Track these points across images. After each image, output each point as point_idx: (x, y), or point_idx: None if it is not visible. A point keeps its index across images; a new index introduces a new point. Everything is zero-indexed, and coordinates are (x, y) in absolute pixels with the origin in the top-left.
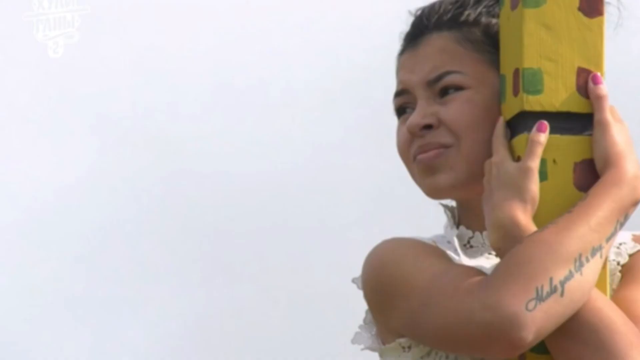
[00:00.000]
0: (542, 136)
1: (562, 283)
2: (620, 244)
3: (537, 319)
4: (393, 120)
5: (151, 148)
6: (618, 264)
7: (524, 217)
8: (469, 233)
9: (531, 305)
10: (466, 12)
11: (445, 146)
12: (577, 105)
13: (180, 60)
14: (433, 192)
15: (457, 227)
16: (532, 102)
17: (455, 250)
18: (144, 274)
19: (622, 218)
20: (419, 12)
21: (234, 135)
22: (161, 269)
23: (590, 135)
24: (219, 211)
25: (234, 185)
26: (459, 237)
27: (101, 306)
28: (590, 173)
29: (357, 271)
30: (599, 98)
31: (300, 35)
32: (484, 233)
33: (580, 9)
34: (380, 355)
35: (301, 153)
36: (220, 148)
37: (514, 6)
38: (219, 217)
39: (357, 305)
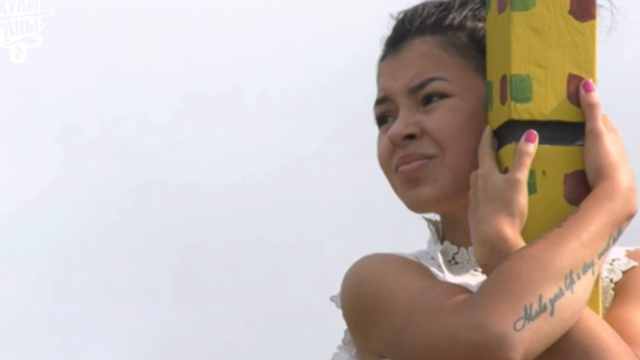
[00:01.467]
0: (531, 146)
1: (552, 301)
2: (614, 260)
3: (525, 339)
4: (374, 130)
5: (119, 158)
6: (611, 281)
7: (512, 232)
8: (454, 249)
9: (519, 324)
10: (451, 16)
11: (429, 157)
12: (567, 114)
13: (150, 65)
14: (416, 206)
15: (441, 243)
16: (521, 111)
17: (439, 267)
18: (112, 291)
19: (615, 233)
20: (401, 16)
21: (207, 145)
22: (130, 286)
23: (582, 145)
24: (190, 225)
25: (207, 198)
26: (443, 253)
27: (66, 325)
28: (582, 185)
29: (336, 289)
30: (591, 106)
31: (277, 39)
32: (470, 248)
33: (571, 12)
34: None
35: (277, 164)
36: (192, 159)
37: (501, 9)
38: (190, 232)
39: (336, 325)
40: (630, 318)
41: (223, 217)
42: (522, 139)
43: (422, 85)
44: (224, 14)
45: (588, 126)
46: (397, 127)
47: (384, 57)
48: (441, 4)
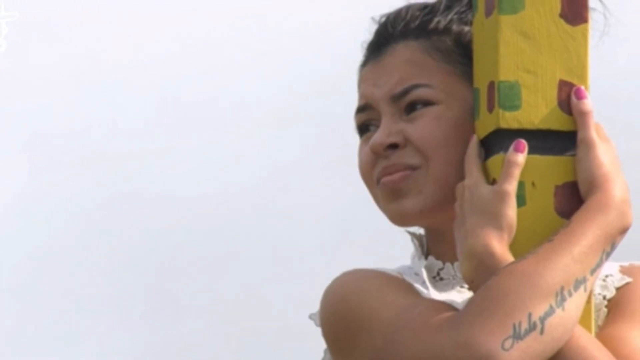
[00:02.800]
0: (520, 156)
1: (542, 319)
2: (607, 276)
3: (514, 358)
4: (356, 139)
5: (89, 169)
6: (604, 298)
7: (500, 246)
8: (439, 264)
9: (508, 343)
10: (436, 19)
11: (413, 167)
12: (558, 123)
13: (122, 71)
14: (399, 219)
15: (426, 258)
16: (509, 119)
17: (423, 283)
18: (81, 307)
19: (608, 247)
20: (383, 19)
21: (181, 155)
22: (100, 302)
23: (574, 155)
24: (163, 239)
25: (181, 210)
26: (428, 269)
27: (33, 343)
28: (573, 197)
29: (315, 306)
30: (583, 114)
31: (255, 43)
32: (456, 264)
33: (562, 15)
34: None
35: (255, 174)
36: (165, 169)
37: (488, 12)
38: (163, 245)
39: (315, 344)
40: (624, 337)
41: (198, 230)
42: (511, 148)
43: (406, 92)
44: (199, 17)
45: (580, 135)
46: (379, 136)
47: (365, 63)
48: (425, 6)
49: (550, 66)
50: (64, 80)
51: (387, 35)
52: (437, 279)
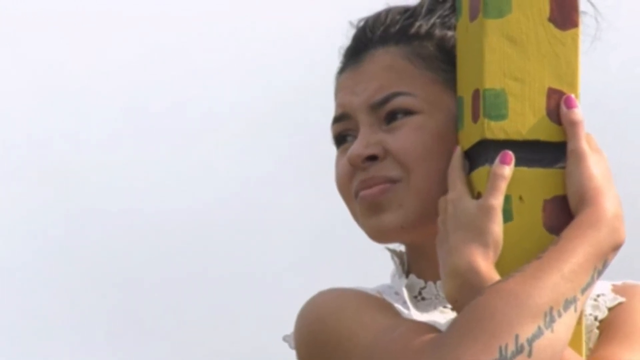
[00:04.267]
0: (507, 169)
1: (530, 341)
2: (598, 296)
3: None
4: (333, 150)
5: (49, 182)
6: (595, 319)
7: (485, 264)
8: (421, 283)
9: None
10: (417, 24)
11: (393, 181)
12: (547, 133)
13: (84, 78)
14: (378, 235)
15: (407, 276)
16: (495, 129)
17: (404, 303)
18: (40, 329)
19: (600, 265)
20: (361, 24)
21: (147, 167)
22: (60, 324)
23: (563, 168)
24: (128, 256)
25: (147, 226)
26: (409, 288)
27: None
28: (563, 212)
29: (290, 327)
30: (573, 124)
31: (225, 49)
32: (438, 283)
33: (551, 19)
34: None
35: (226, 188)
36: (130, 182)
37: (473, 16)
38: (128, 264)
39: None
40: None
41: (165, 247)
42: (497, 160)
43: (385, 100)
44: (167, 21)
45: (570, 146)
46: (357, 147)
47: (342, 70)
48: (406, 10)
49: (539, 73)
50: (22, 87)
51: (366, 40)
52: (418, 299)
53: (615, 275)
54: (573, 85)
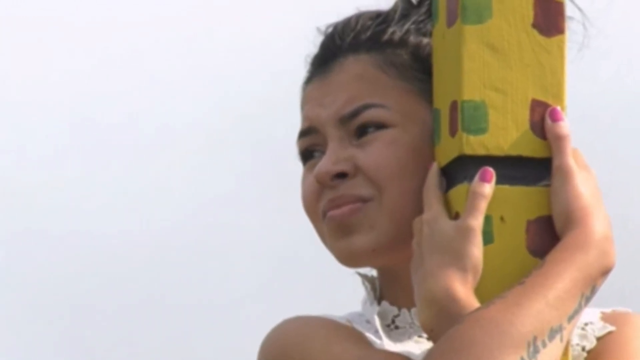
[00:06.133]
0: (487, 187)
1: None
2: (586, 324)
3: None
4: (299, 167)
5: None
6: (583, 349)
7: (464, 290)
8: (394, 310)
9: None
10: (390, 30)
11: (364, 200)
12: (531, 148)
13: (27, 90)
14: (348, 258)
15: (379, 303)
16: (474, 144)
17: (376, 332)
18: None
19: (588, 291)
20: (330, 30)
21: (97, 186)
22: (3, 355)
23: (548, 186)
24: (77, 282)
25: (97, 249)
26: (381, 316)
27: None
28: (548, 234)
29: (252, 359)
30: (559, 139)
31: (181, 58)
32: (413, 310)
33: (535, 25)
34: None
35: (182, 209)
36: (78, 202)
37: (450, 22)
38: (77, 290)
39: None
40: None
41: (116, 273)
42: (476, 178)
43: (356, 113)
44: (118, 28)
45: (555, 162)
46: (325, 163)
47: (309, 80)
48: (378, 15)
49: (522, 83)
50: None
51: (335, 48)
52: (391, 328)
53: (604, 302)
54: (559, 97)
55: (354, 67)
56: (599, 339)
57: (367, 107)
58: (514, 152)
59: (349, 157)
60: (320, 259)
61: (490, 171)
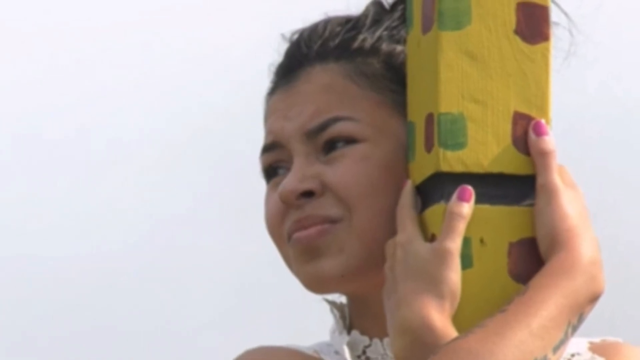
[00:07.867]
0: (465, 207)
1: None
2: (573, 355)
3: None
4: (263, 185)
5: None
6: None
7: (440, 318)
8: (365, 340)
9: None
10: (361, 37)
11: (332, 220)
12: (513, 165)
13: None
14: (315, 284)
15: (349, 332)
16: (452, 160)
17: None
18: None
19: (575, 320)
20: (295, 37)
21: (42, 205)
22: None
23: (532, 205)
24: (21, 310)
25: (42, 274)
26: (351, 346)
27: None
28: (532, 257)
29: None
30: (544, 154)
31: (133, 67)
32: (385, 340)
33: (517, 31)
34: None
35: (135, 230)
36: (22, 223)
37: (426, 28)
38: (21, 317)
39: None
40: None
41: (65, 299)
42: (454, 197)
43: (323, 126)
44: (64, 35)
45: (540, 180)
46: (291, 181)
47: (273, 91)
48: (348, 21)
49: (503, 94)
50: None
51: (301, 56)
52: (362, 359)
53: (592, 331)
54: (543, 109)
55: (322, 77)
56: None
57: (335, 120)
58: (494, 169)
59: (316, 174)
60: (285, 284)
61: (469, 189)
